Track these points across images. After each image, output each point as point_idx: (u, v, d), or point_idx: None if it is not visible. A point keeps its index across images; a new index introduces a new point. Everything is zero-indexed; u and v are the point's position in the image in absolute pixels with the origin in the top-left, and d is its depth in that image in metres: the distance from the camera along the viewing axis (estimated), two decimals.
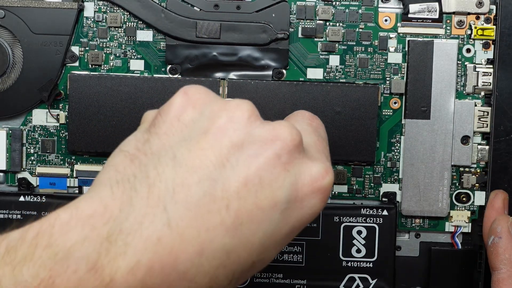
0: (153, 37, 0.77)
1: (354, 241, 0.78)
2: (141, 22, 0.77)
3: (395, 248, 0.78)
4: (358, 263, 0.78)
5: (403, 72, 0.77)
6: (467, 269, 0.79)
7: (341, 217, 0.77)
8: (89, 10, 0.76)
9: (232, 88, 0.75)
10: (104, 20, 0.76)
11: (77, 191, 0.78)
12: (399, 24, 0.76)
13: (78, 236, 0.43)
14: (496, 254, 0.69)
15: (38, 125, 0.78)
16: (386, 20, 0.76)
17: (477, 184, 0.77)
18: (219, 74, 0.76)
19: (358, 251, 0.78)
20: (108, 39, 0.76)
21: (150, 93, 0.75)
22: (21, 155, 0.78)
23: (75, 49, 0.77)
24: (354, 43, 0.76)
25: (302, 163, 0.50)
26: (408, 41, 0.76)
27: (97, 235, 0.43)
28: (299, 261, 0.78)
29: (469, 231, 0.79)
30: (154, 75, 0.76)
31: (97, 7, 0.76)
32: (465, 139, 0.76)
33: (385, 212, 0.77)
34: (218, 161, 0.46)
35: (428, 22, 0.76)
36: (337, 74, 0.77)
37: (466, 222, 0.78)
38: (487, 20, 0.75)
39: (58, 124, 0.77)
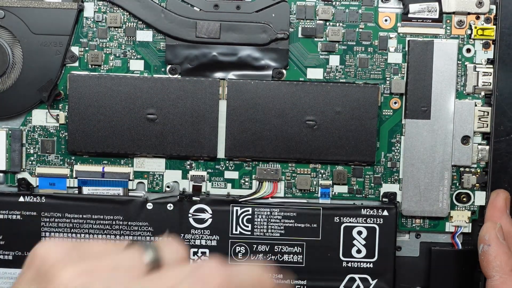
0: (153, 37, 0.77)
1: (355, 242, 0.78)
2: (140, 22, 0.77)
3: (395, 248, 0.79)
4: (358, 263, 0.78)
5: (403, 72, 0.77)
6: (468, 270, 0.79)
7: (341, 218, 0.78)
8: (89, 10, 0.77)
9: (232, 88, 0.75)
10: (104, 20, 0.77)
11: (76, 191, 0.78)
12: (399, 24, 0.77)
13: None
14: (487, 261, 0.69)
15: (38, 125, 0.78)
16: (386, 20, 0.77)
17: (478, 184, 0.78)
18: (219, 74, 0.76)
19: (358, 251, 0.78)
20: (108, 39, 0.77)
21: (150, 93, 0.75)
22: (21, 156, 0.78)
23: (75, 49, 0.77)
24: (354, 43, 0.77)
25: None
26: (408, 41, 0.76)
27: None
28: (299, 261, 0.78)
29: (470, 231, 0.79)
30: (154, 75, 0.77)
31: (97, 7, 0.77)
32: (465, 139, 0.77)
33: (385, 213, 0.78)
34: None
35: (428, 22, 0.76)
36: (337, 74, 0.77)
37: (467, 222, 0.78)
38: (487, 20, 0.76)
39: (57, 125, 0.78)
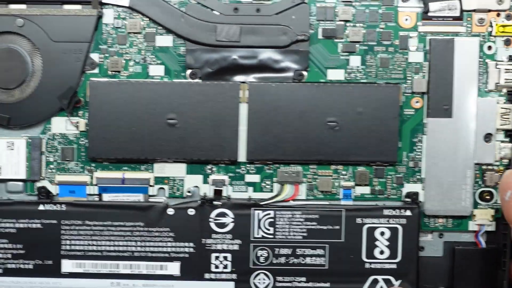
0: (172, 42, 0.77)
1: (377, 243, 0.78)
2: (160, 28, 0.77)
3: (419, 248, 0.78)
4: (382, 264, 0.78)
5: (424, 71, 0.77)
6: (492, 268, 0.79)
7: (364, 219, 0.78)
8: (108, 16, 0.77)
9: (252, 91, 0.76)
10: (123, 27, 0.77)
11: (97, 198, 0.78)
12: (419, 23, 0.77)
13: None
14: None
15: (58, 133, 0.78)
16: (406, 19, 0.77)
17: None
18: (239, 78, 0.77)
19: (381, 252, 0.78)
20: (127, 45, 0.77)
21: (170, 99, 0.76)
22: (41, 164, 0.78)
23: (95, 56, 0.77)
24: (375, 43, 0.77)
25: None
26: (429, 39, 0.76)
27: None
28: (322, 264, 0.78)
29: (493, 229, 0.79)
30: (174, 80, 0.77)
31: (117, 14, 0.77)
32: (487, 137, 0.77)
33: (408, 213, 0.77)
34: None
35: (449, 20, 0.76)
36: (358, 74, 0.77)
37: (490, 221, 0.78)
38: (508, 17, 0.76)
39: (77, 132, 0.78)
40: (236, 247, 0.78)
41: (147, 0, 0.77)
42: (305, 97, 0.76)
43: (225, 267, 0.79)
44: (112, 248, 0.78)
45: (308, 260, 0.78)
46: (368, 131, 0.76)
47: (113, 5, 0.77)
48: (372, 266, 0.78)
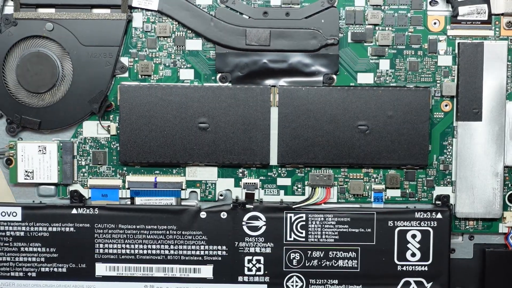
0: (202, 46, 0.77)
1: (409, 245, 0.78)
2: (190, 31, 0.77)
3: (450, 250, 0.78)
4: (413, 267, 0.78)
5: (453, 75, 0.77)
6: None
7: (395, 222, 0.78)
8: (138, 20, 0.77)
9: (283, 95, 0.76)
10: (153, 30, 0.77)
11: (129, 202, 0.78)
12: (448, 27, 0.77)
13: None
14: None
15: (89, 137, 0.78)
16: (435, 23, 0.77)
17: None
18: (269, 81, 0.77)
19: (413, 255, 0.78)
20: (157, 49, 0.77)
21: (200, 102, 0.76)
22: (73, 168, 0.79)
23: (125, 60, 0.77)
24: (404, 47, 0.77)
25: None
26: (458, 43, 0.76)
27: None
28: (354, 266, 0.78)
29: None
30: (204, 84, 0.77)
31: (146, 18, 0.77)
32: None
33: (439, 215, 0.77)
34: None
35: (477, 24, 0.76)
36: (387, 78, 0.77)
37: None
38: None
39: (109, 136, 0.78)
40: (268, 250, 0.78)
41: (176, 4, 0.77)
42: (336, 100, 0.76)
43: (258, 270, 0.79)
44: (145, 252, 0.78)
45: (340, 263, 0.78)
46: (398, 135, 0.76)
47: (142, 9, 0.77)
48: (404, 268, 0.78)
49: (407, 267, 0.78)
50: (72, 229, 0.78)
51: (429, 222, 0.77)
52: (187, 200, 0.79)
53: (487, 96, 0.76)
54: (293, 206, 0.78)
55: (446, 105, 0.77)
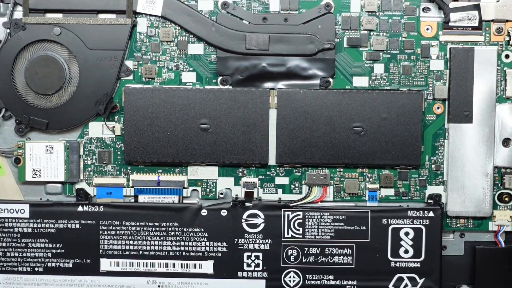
0: (204, 50, 0.78)
1: (402, 242, 0.79)
2: (192, 36, 0.78)
3: (441, 248, 0.79)
4: (406, 263, 0.79)
5: (445, 79, 0.78)
6: (510, 266, 0.79)
7: (389, 220, 0.78)
8: (142, 25, 0.78)
9: (281, 97, 0.76)
10: (156, 35, 0.78)
11: (133, 200, 0.79)
12: (440, 33, 0.77)
13: None
14: None
15: (95, 137, 0.79)
16: (427, 29, 0.78)
17: None
18: (268, 84, 0.77)
19: (406, 251, 0.79)
20: (160, 53, 0.78)
21: (202, 104, 0.76)
22: (79, 167, 0.79)
23: (129, 63, 0.78)
24: (398, 52, 0.78)
25: None
26: (450, 48, 0.77)
27: None
28: (349, 262, 0.79)
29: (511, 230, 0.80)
30: (206, 87, 0.78)
31: (150, 23, 0.78)
32: (506, 142, 0.78)
33: (431, 214, 0.78)
34: None
35: (468, 30, 0.77)
36: (381, 81, 0.78)
37: (509, 221, 0.79)
38: None
39: (114, 136, 0.79)
40: (267, 247, 0.79)
41: (179, 10, 0.77)
42: (332, 103, 0.77)
43: (257, 265, 0.79)
44: (148, 248, 0.79)
45: (336, 259, 0.79)
46: (392, 136, 0.77)
47: (146, 14, 0.77)
48: (397, 264, 0.79)
49: (400, 263, 0.79)
50: (78, 225, 0.78)
51: (421, 220, 0.78)
52: (189, 198, 0.80)
53: (477, 99, 0.77)
54: (291, 204, 0.78)
55: (438, 108, 0.78)
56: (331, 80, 0.78)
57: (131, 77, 0.78)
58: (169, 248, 0.79)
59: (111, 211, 0.78)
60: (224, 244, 0.79)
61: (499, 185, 0.79)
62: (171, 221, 0.78)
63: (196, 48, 0.78)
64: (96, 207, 0.78)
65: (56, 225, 0.78)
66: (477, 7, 0.77)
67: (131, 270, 0.79)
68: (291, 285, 0.79)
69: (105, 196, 0.80)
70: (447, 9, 0.77)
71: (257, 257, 0.79)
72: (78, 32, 0.77)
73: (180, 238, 0.79)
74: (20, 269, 0.79)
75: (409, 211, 0.78)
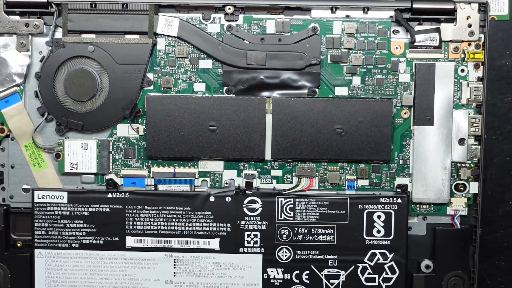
0: (212, 65, 0.82)
1: (375, 224, 0.82)
2: (202, 53, 0.81)
3: (407, 228, 0.83)
4: (378, 241, 0.82)
5: (411, 89, 0.82)
6: (465, 244, 0.84)
7: (364, 205, 0.82)
8: (161, 44, 0.82)
9: (276, 104, 0.80)
10: (173, 52, 0.81)
11: (153, 188, 0.83)
12: (407, 51, 0.81)
13: None
14: None
15: (122, 136, 0.83)
16: (396, 48, 0.82)
17: (472, 176, 0.83)
18: (265, 93, 0.81)
19: (378, 231, 0.83)
20: (176, 67, 0.82)
21: (210, 110, 0.80)
22: (109, 161, 0.83)
23: (150, 76, 0.82)
24: (372, 67, 0.81)
25: None
26: (415, 64, 0.81)
27: None
28: (332, 240, 0.83)
29: (466, 213, 0.84)
30: (214, 95, 0.82)
31: (167, 42, 0.82)
32: (461, 141, 0.82)
33: (399, 200, 0.82)
34: None
35: (430, 48, 0.81)
36: (358, 91, 0.82)
37: (463, 207, 0.83)
38: (477, 46, 0.81)
39: (137, 135, 0.83)
40: (264, 227, 0.83)
41: (191, 32, 0.81)
42: (317, 109, 0.80)
43: (255, 243, 0.83)
44: (165, 228, 0.82)
45: (320, 237, 0.82)
46: (367, 136, 0.81)
47: (164, 35, 0.81)
48: (371, 242, 0.82)
49: (373, 241, 0.82)
50: (107, 209, 0.82)
51: (391, 205, 0.82)
52: (199, 187, 0.84)
53: (437, 106, 0.81)
54: (284, 193, 0.82)
55: (405, 113, 0.82)
56: (317, 90, 0.81)
57: (152, 87, 0.82)
58: (182, 228, 0.82)
59: (135, 197, 0.82)
60: (228, 225, 0.82)
61: (455, 177, 0.82)
62: (184, 206, 0.82)
63: (206, 63, 0.82)
64: (123, 194, 0.81)
65: (90, 209, 0.82)
66: (437, 30, 0.81)
67: (151, 246, 0.82)
68: (284, 259, 0.83)
69: (130, 185, 0.83)
70: (413, 32, 0.80)
71: (255, 236, 0.83)
72: (108, 49, 0.81)
73: (192, 220, 0.82)
74: (59, 245, 0.83)
75: (381, 198, 0.82)
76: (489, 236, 0.87)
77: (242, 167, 0.84)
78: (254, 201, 0.83)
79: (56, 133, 0.84)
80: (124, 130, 0.84)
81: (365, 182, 0.84)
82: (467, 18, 0.81)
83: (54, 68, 0.82)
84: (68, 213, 0.83)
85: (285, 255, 0.84)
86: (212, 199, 0.83)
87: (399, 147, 0.84)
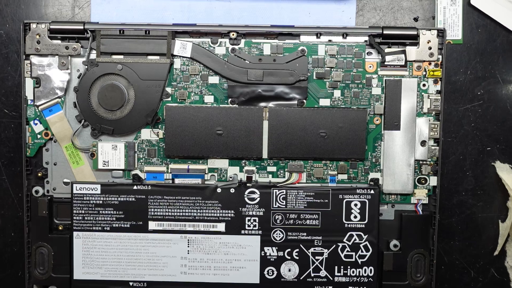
0: (219, 80, 0.91)
1: (352, 211, 0.92)
2: (211, 71, 0.91)
3: (379, 214, 0.92)
4: (355, 224, 0.92)
5: (382, 100, 0.91)
6: (426, 227, 0.93)
7: (343, 195, 0.91)
8: (177, 63, 0.91)
9: (271, 113, 0.90)
10: (187, 70, 0.91)
11: (171, 181, 0.91)
12: (379, 69, 0.91)
13: None
14: None
15: (145, 139, 0.92)
16: (370, 67, 0.91)
17: (431, 172, 0.92)
18: (262, 104, 0.91)
19: (355, 217, 0.92)
20: (190, 82, 0.91)
21: (218, 117, 0.90)
22: (134, 159, 0.92)
23: (168, 89, 0.91)
24: (350, 82, 0.91)
25: None
26: (385, 80, 0.90)
27: None
28: (317, 224, 0.92)
29: (427, 202, 0.93)
30: (220, 105, 0.91)
31: (183, 62, 0.91)
32: (423, 143, 0.91)
33: (372, 191, 0.91)
34: None
35: (398, 67, 0.91)
36: (339, 102, 0.91)
37: (425, 197, 0.93)
38: (436, 65, 0.90)
39: (158, 138, 0.92)
40: (261, 213, 0.92)
41: (202, 53, 0.90)
42: (305, 116, 0.89)
43: (255, 226, 0.92)
44: (181, 214, 0.91)
45: (307, 222, 0.92)
46: (346, 139, 0.90)
47: (180, 56, 0.91)
48: (349, 225, 0.92)
49: (351, 225, 0.92)
50: (133, 199, 0.91)
51: (365, 196, 0.91)
52: (208, 181, 0.93)
53: (403, 114, 0.90)
54: (278, 185, 0.91)
55: (377, 120, 0.91)
56: (304, 101, 0.91)
57: (170, 99, 0.91)
58: (195, 214, 0.91)
59: (156, 189, 0.90)
60: (232, 211, 0.91)
61: (418, 172, 0.92)
62: (196, 196, 0.91)
63: (214, 79, 0.91)
64: (146, 186, 0.90)
65: (119, 199, 0.91)
66: (403, 52, 0.90)
67: (169, 229, 0.91)
68: (277, 239, 0.92)
69: (152, 179, 0.92)
70: (384, 53, 0.90)
71: (254, 220, 0.92)
72: (134, 68, 0.90)
73: (202, 207, 0.91)
74: (94, 228, 0.92)
75: (357, 190, 0.91)
76: (446, 221, 0.98)
77: (243, 164, 0.93)
78: (253, 192, 0.93)
79: (91, 136, 0.93)
80: (147, 134, 0.93)
81: (344, 177, 0.94)
82: (428, 42, 0.91)
83: (89, 83, 0.91)
84: (100, 202, 0.92)
85: (279, 236, 0.93)
86: (219, 190, 0.92)
87: (372, 148, 0.93)
